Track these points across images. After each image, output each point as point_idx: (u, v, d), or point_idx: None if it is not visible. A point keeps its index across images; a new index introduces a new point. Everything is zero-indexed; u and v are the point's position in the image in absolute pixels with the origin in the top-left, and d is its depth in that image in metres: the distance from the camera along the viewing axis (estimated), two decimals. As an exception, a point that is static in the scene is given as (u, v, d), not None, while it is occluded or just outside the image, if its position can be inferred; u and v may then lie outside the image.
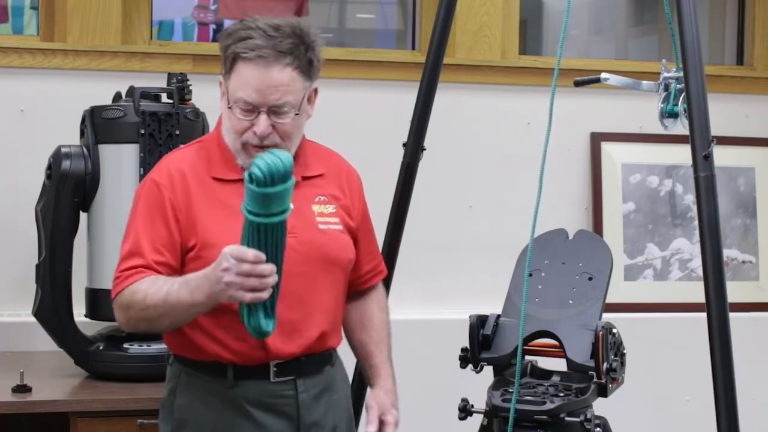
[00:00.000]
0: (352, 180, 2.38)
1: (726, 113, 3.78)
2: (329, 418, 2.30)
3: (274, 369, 2.21)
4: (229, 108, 2.18)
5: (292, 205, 2.01)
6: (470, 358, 2.39)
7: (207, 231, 2.18)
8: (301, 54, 2.16)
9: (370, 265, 2.43)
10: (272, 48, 2.12)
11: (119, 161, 2.89)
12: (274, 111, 2.15)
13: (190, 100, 3.00)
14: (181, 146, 2.38)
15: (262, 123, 2.15)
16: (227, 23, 4.37)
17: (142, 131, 2.86)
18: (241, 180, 2.08)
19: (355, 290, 2.41)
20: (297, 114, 2.18)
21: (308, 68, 2.19)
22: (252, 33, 2.13)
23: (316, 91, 2.26)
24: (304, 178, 2.26)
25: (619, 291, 3.78)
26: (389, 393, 2.36)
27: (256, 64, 2.13)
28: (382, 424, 2.30)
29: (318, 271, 2.23)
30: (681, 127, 2.58)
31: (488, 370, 2.41)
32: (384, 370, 2.39)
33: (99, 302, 2.89)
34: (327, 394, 2.30)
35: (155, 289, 2.10)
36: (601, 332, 2.25)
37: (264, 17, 2.18)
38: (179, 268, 2.18)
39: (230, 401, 2.21)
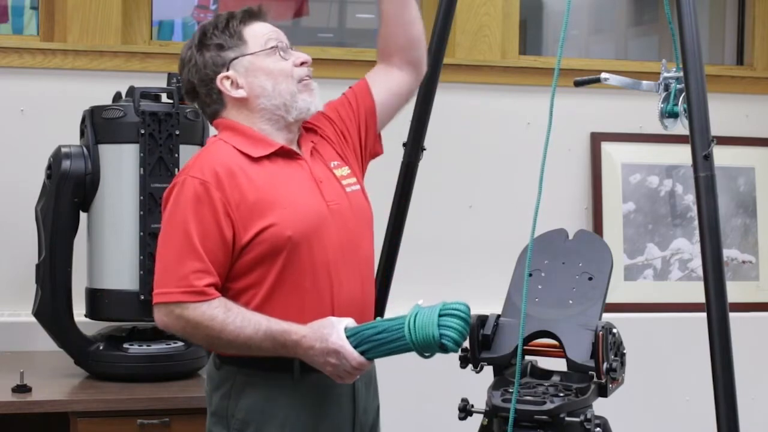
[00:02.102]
0: (325, 127, 2.42)
1: (726, 113, 3.78)
2: (373, 404, 2.40)
3: None
4: (274, 55, 2.28)
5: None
6: (470, 358, 2.39)
7: (259, 214, 2.18)
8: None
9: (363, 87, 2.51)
10: (251, 8, 2.33)
11: (119, 161, 2.89)
12: (287, 44, 2.33)
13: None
14: (201, 149, 2.35)
15: (301, 53, 2.32)
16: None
17: (142, 131, 2.86)
18: (278, 152, 2.25)
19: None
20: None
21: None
22: (235, 12, 2.31)
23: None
24: (314, 148, 2.35)
25: (619, 291, 3.78)
26: None
27: (260, 20, 2.33)
28: None
29: (360, 231, 2.32)
30: (681, 127, 2.58)
31: (488, 370, 2.41)
32: None
33: (99, 302, 2.90)
34: (371, 382, 2.39)
35: (234, 326, 2.12)
36: (601, 332, 2.25)
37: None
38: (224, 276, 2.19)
39: (295, 395, 2.23)
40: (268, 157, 2.25)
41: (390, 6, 2.45)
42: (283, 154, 2.28)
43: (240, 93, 2.28)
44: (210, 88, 2.30)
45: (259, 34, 2.31)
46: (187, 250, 2.14)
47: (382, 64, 2.50)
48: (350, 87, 2.50)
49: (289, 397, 2.23)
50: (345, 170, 2.36)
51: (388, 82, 2.49)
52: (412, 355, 3.52)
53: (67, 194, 2.89)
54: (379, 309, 2.87)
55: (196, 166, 2.21)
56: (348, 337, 2.12)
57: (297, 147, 2.33)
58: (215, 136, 2.33)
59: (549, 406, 2.21)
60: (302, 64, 2.31)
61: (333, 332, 2.11)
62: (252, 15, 2.33)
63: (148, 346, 2.89)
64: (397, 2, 2.44)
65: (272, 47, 2.29)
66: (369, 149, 2.48)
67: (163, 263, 2.18)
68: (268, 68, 2.29)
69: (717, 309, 2.30)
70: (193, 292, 2.13)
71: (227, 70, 2.28)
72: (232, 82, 2.28)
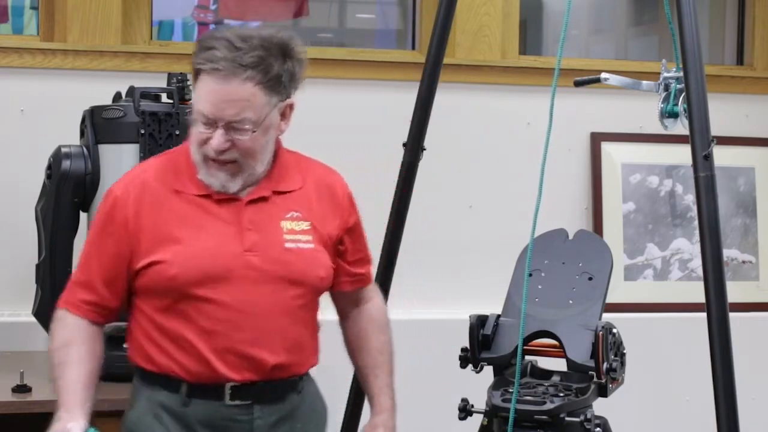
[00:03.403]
0: (336, 192, 2.26)
1: (726, 113, 3.78)
2: None
3: (229, 391, 2.12)
4: (196, 121, 2.10)
5: None
6: (470, 358, 2.39)
7: (156, 245, 2.11)
8: (267, 68, 2.06)
9: (354, 271, 2.31)
10: (232, 61, 2.03)
11: (119, 161, 2.89)
12: (232, 126, 2.06)
13: (190, 100, 2.99)
14: (153, 158, 2.29)
15: (217, 137, 2.06)
16: (227, 23, 4.38)
17: (142, 131, 2.86)
18: (200, 196, 2.12)
19: (344, 305, 2.34)
20: (254, 132, 2.07)
21: (275, 83, 2.08)
22: (215, 43, 2.05)
23: (291, 106, 2.17)
24: (276, 193, 2.17)
25: (619, 291, 3.78)
26: (380, 427, 2.30)
27: (213, 77, 2.04)
28: None
29: (279, 292, 2.13)
30: (681, 127, 2.58)
31: (488, 370, 2.41)
32: (380, 400, 2.31)
33: (99, 302, 2.89)
34: (288, 422, 2.19)
35: (57, 359, 2.13)
36: (601, 332, 2.25)
37: (241, 27, 2.16)
38: (112, 300, 2.17)
39: (182, 419, 2.13)
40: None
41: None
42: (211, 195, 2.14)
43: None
44: None
45: (201, 92, 2.08)
46: (85, 263, 2.18)
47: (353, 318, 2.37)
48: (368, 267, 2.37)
49: (174, 419, 2.14)
50: (303, 225, 2.17)
51: (342, 301, 2.35)
52: (412, 356, 3.52)
53: (67, 194, 2.88)
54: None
55: (122, 180, 2.18)
56: None
57: (243, 188, 2.15)
58: (184, 143, 2.22)
59: (549, 406, 2.21)
60: (205, 142, 2.08)
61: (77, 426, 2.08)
62: (204, 72, 2.06)
63: (148, 346, 2.89)
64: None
65: (200, 123, 2.08)
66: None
67: (77, 268, 2.22)
68: (194, 126, 2.12)
69: (717, 309, 2.30)
70: (71, 303, 2.18)
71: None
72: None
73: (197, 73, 2.08)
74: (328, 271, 2.21)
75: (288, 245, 2.14)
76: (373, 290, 2.39)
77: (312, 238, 2.18)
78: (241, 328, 2.10)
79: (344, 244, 2.26)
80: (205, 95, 2.06)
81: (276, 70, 2.07)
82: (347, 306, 2.35)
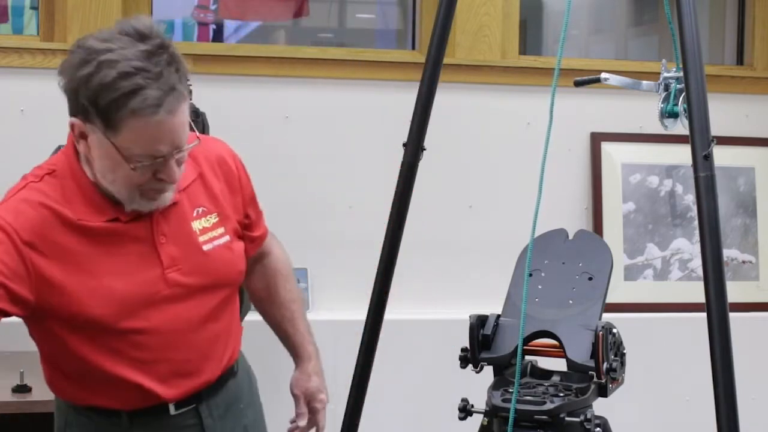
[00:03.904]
0: (228, 165, 2.09)
1: (726, 113, 3.79)
2: (238, 428, 2.17)
3: (173, 405, 2.03)
4: (128, 165, 1.83)
5: None
6: (470, 358, 2.39)
7: (72, 287, 1.88)
8: (185, 77, 1.86)
9: (255, 235, 2.20)
10: (170, 90, 1.80)
11: (119, 161, 2.88)
12: (178, 151, 1.87)
13: (190, 99, 2.99)
14: (26, 176, 2.00)
15: (173, 169, 1.86)
16: (227, 23, 4.38)
17: (142, 131, 2.85)
18: (111, 221, 1.90)
19: (248, 265, 2.17)
20: (195, 141, 1.92)
21: (186, 85, 1.88)
22: (139, 80, 1.77)
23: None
24: (180, 191, 1.98)
25: (619, 291, 3.78)
26: (313, 375, 2.27)
27: (161, 116, 1.79)
28: (311, 411, 2.26)
29: (207, 301, 2.01)
30: (681, 127, 2.58)
31: (488, 370, 2.41)
32: (305, 348, 2.27)
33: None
34: (234, 406, 2.15)
35: None
36: (601, 332, 2.25)
37: (105, 38, 1.86)
38: None
39: None
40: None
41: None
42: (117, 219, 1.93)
43: (81, 149, 1.90)
44: (69, 107, 1.93)
45: (139, 141, 1.80)
46: None
47: (258, 269, 2.29)
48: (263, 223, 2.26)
49: None
50: (210, 220, 2.02)
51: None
52: (412, 356, 3.52)
53: (67, 194, 2.87)
54: (379, 309, 2.87)
55: (11, 210, 1.88)
56: None
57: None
58: (54, 157, 2.02)
59: (549, 406, 2.21)
60: (161, 180, 1.87)
61: None
62: (145, 113, 1.78)
63: (148, 346, 2.88)
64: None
65: (136, 166, 1.83)
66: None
67: None
68: (116, 167, 1.85)
69: (717, 309, 2.30)
70: None
71: (83, 121, 1.85)
72: (80, 133, 1.88)
73: (120, 118, 1.79)
74: (244, 262, 2.11)
75: (205, 248, 2.00)
76: (270, 242, 2.28)
77: (224, 230, 2.04)
78: (178, 348, 1.98)
79: (249, 217, 2.16)
80: (151, 137, 1.81)
81: (183, 72, 1.87)
82: (250, 265, 2.20)
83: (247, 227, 2.16)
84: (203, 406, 2.08)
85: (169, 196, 1.94)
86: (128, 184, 1.87)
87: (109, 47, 1.82)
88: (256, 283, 2.31)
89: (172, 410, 2.03)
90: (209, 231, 2.02)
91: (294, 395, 2.28)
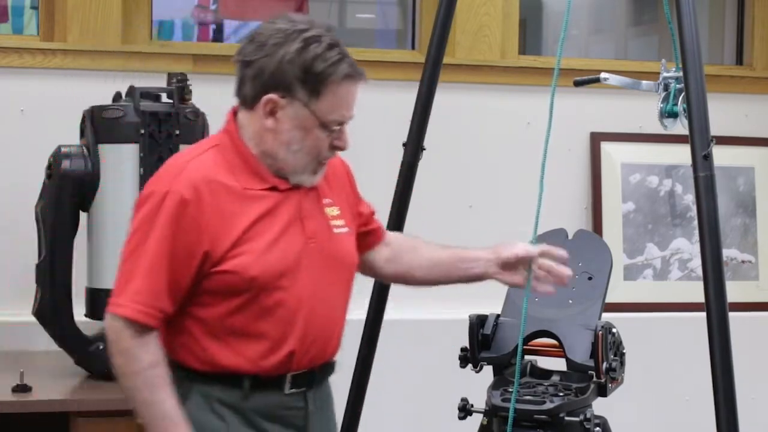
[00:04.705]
0: (337, 170, 2.31)
1: (725, 113, 3.78)
2: (327, 427, 2.28)
3: (290, 381, 2.15)
4: (322, 129, 2.10)
5: None
6: (470, 357, 2.39)
7: (232, 246, 2.07)
8: None
9: (375, 227, 2.42)
10: (355, 63, 2.12)
11: (119, 161, 2.89)
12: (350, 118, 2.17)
13: (190, 99, 3.00)
14: (190, 150, 2.19)
15: (347, 134, 2.15)
16: (227, 23, 4.38)
17: (142, 131, 2.86)
18: (269, 189, 2.11)
19: (381, 256, 2.41)
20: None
21: None
22: (338, 51, 2.08)
23: None
24: (308, 190, 2.21)
25: (619, 291, 3.78)
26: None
27: (352, 83, 2.11)
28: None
29: (335, 277, 2.20)
30: (681, 126, 2.58)
31: (488, 370, 2.41)
32: (478, 251, 2.38)
33: (99, 302, 2.89)
34: (326, 405, 2.28)
35: (146, 382, 2.05)
36: (600, 332, 2.26)
37: (298, 23, 2.11)
38: (172, 308, 2.09)
39: (241, 412, 2.14)
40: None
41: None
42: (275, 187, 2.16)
43: (268, 124, 2.11)
44: (258, 87, 2.11)
45: (335, 106, 2.10)
46: (153, 269, 2.04)
47: (387, 257, 2.43)
48: (377, 219, 2.44)
49: (234, 413, 2.14)
50: (334, 210, 2.24)
51: (373, 258, 2.41)
52: (412, 356, 3.52)
53: (67, 194, 2.88)
54: (379, 308, 2.87)
55: (181, 180, 2.07)
56: None
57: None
58: (217, 134, 2.20)
59: (548, 405, 2.21)
60: (335, 148, 2.16)
61: None
62: (351, 77, 2.11)
63: (148, 346, 2.89)
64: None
65: (330, 130, 2.11)
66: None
67: (125, 274, 2.07)
68: (307, 135, 2.11)
69: (717, 309, 2.30)
70: (143, 312, 2.03)
71: (280, 97, 2.08)
72: (271, 110, 2.10)
73: (326, 84, 2.07)
74: (357, 253, 2.30)
75: (335, 231, 2.22)
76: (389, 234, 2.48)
77: (344, 223, 2.25)
78: (315, 316, 2.14)
79: (362, 214, 2.36)
80: (343, 102, 2.11)
81: None
82: (384, 252, 2.41)
83: (365, 223, 2.37)
84: (311, 393, 2.19)
85: (319, 177, 2.19)
86: (312, 152, 2.12)
87: (304, 27, 2.09)
88: (398, 259, 2.42)
89: (286, 388, 2.15)
90: (335, 219, 2.23)
91: (518, 259, 2.30)
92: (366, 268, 2.40)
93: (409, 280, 2.44)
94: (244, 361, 2.12)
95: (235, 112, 2.16)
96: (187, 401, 2.15)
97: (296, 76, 2.06)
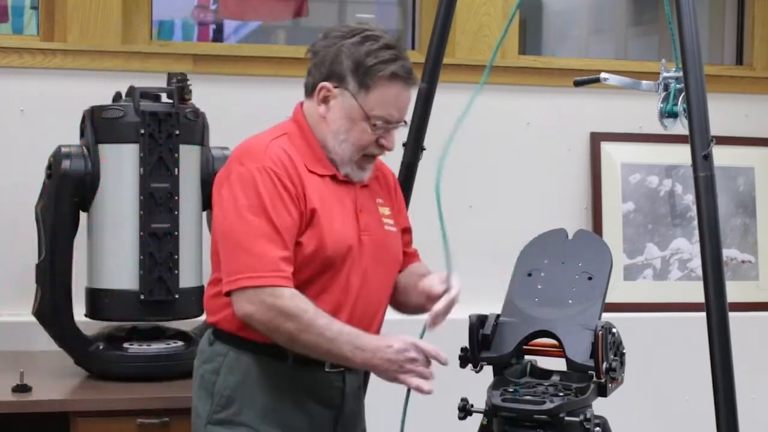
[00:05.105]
0: (388, 179, 2.48)
1: (725, 113, 3.78)
2: (359, 410, 2.43)
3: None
4: (367, 123, 2.24)
5: None
6: (470, 357, 2.39)
7: (309, 221, 2.22)
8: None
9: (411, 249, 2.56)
10: (411, 70, 2.27)
11: (119, 161, 2.89)
12: (396, 127, 2.30)
13: (190, 99, 3.00)
14: (263, 135, 2.32)
15: (394, 138, 2.30)
16: (227, 23, 4.38)
17: (142, 131, 2.86)
18: (331, 176, 2.27)
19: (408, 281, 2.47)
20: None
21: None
22: (395, 53, 2.23)
23: None
24: (371, 180, 2.38)
25: (619, 291, 3.78)
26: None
27: (403, 85, 2.25)
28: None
29: (382, 268, 2.34)
30: (681, 126, 2.59)
31: (488, 370, 2.41)
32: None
33: (99, 302, 2.90)
34: (359, 391, 2.42)
35: (321, 322, 2.14)
36: (600, 332, 2.25)
37: (367, 26, 2.27)
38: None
39: (284, 385, 2.26)
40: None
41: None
42: (335, 176, 2.31)
43: (321, 111, 2.28)
44: (317, 76, 2.28)
45: (382, 103, 2.25)
46: (273, 238, 2.16)
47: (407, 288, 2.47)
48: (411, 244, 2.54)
49: (276, 384, 2.26)
50: (386, 210, 2.40)
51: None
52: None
53: (67, 194, 2.88)
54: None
55: (268, 157, 2.21)
56: None
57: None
58: (284, 123, 2.33)
59: (548, 405, 2.21)
60: (382, 147, 2.30)
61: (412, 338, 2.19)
62: (399, 78, 2.25)
63: (148, 346, 2.89)
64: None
65: (374, 125, 2.25)
66: None
67: (245, 249, 2.16)
68: (353, 126, 2.26)
69: (717, 309, 2.30)
70: (286, 278, 2.15)
71: (334, 86, 2.25)
72: (324, 97, 2.27)
73: (376, 80, 2.22)
74: (402, 251, 2.44)
75: (386, 228, 2.37)
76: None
77: (393, 222, 2.40)
78: (363, 301, 2.28)
79: (405, 224, 2.51)
80: (392, 101, 2.25)
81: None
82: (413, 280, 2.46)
83: (405, 233, 2.51)
84: (347, 374, 2.32)
85: (368, 175, 2.33)
86: (357, 143, 2.26)
87: (369, 27, 2.27)
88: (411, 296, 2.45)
89: (327, 366, 2.27)
90: (386, 217, 2.39)
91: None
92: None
93: (393, 306, 2.50)
94: None
95: (302, 104, 2.34)
96: (223, 374, 2.26)
97: (349, 67, 2.22)
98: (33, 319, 2.95)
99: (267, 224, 2.16)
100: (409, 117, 2.88)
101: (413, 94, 2.33)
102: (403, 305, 2.47)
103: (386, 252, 2.35)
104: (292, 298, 2.14)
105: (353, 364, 2.18)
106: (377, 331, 2.34)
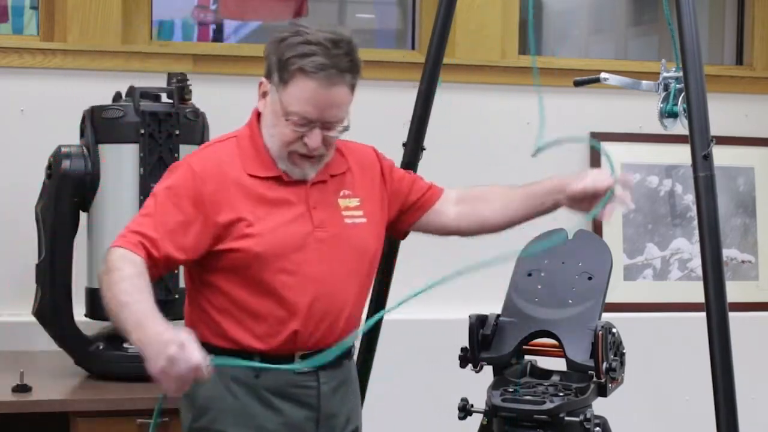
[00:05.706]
0: (372, 164, 2.43)
1: (725, 113, 3.78)
2: (344, 409, 2.37)
3: (298, 359, 2.25)
4: (284, 118, 2.21)
5: None
6: (470, 357, 2.39)
7: (236, 226, 2.21)
8: (355, 72, 2.24)
9: (426, 188, 2.51)
10: (335, 67, 2.18)
11: (119, 161, 2.89)
12: (326, 126, 2.22)
13: (190, 100, 3.00)
14: (215, 139, 2.39)
15: (316, 137, 2.22)
16: (227, 23, 4.38)
17: (142, 131, 2.86)
18: (275, 178, 2.24)
19: (446, 215, 2.51)
20: (345, 127, 2.26)
21: (356, 84, 2.27)
22: (315, 49, 2.17)
23: None
24: (331, 176, 2.34)
25: (619, 291, 3.78)
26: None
27: (319, 82, 2.17)
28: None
29: (346, 262, 2.30)
30: (681, 126, 2.58)
31: (488, 370, 2.41)
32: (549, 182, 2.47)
33: (99, 302, 2.87)
34: (344, 386, 2.37)
35: (124, 286, 2.07)
36: (600, 332, 2.25)
37: (315, 27, 2.22)
38: (164, 264, 2.19)
39: (253, 389, 2.26)
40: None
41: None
42: (280, 177, 2.28)
43: (260, 106, 2.29)
44: (265, 67, 2.29)
45: (297, 99, 2.19)
46: (154, 219, 2.18)
47: (458, 212, 2.52)
48: (427, 183, 2.53)
49: (245, 390, 2.26)
50: (353, 201, 2.35)
51: (441, 218, 2.51)
52: (412, 356, 3.52)
53: (67, 194, 2.89)
54: (379, 308, 2.87)
55: (199, 157, 2.27)
56: None
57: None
58: (244, 125, 2.33)
59: (548, 405, 2.21)
60: (305, 146, 2.23)
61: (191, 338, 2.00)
62: (310, 74, 2.17)
63: (148, 345, 2.89)
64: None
65: (292, 121, 2.20)
66: (392, 225, 2.49)
67: (132, 221, 2.22)
68: (277, 121, 2.23)
69: (717, 309, 2.30)
70: (139, 245, 2.14)
71: (268, 81, 2.25)
72: (263, 93, 2.28)
73: (292, 75, 2.18)
74: (379, 241, 2.39)
75: (347, 221, 2.31)
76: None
77: (363, 213, 2.34)
78: (321, 297, 2.25)
79: (402, 190, 2.45)
80: (307, 98, 2.18)
81: (358, 72, 2.25)
82: (452, 211, 2.51)
83: (412, 191, 2.47)
84: (322, 373, 2.29)
85: (310, 173, 2.27)
86: (281, 140, 2.23)
87: (310, 28, 2.22)
88: (470, 210, 2.53)
89: (296, 367, 2.25)
90: (351, 210, 2.33)
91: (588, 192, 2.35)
92: (439, 229, 2.52)
93: (487, 228, 2.53)
94: (253, 338, 2.24)
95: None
96: (200, 383, 2.18)
97: (273, 61, 2.22)
98: (33, 319, 2.95)
99: (156, 207, 2.20)
100: (408, 117, 2.89)
101: (344, 95, 2.21)
102: (504, 224, 2.51)
103: (347, 246, 2.30)
104: (121, 257, 2.12)
105: (130, 338, 2.04)
106: (348, 328, 2.30)
